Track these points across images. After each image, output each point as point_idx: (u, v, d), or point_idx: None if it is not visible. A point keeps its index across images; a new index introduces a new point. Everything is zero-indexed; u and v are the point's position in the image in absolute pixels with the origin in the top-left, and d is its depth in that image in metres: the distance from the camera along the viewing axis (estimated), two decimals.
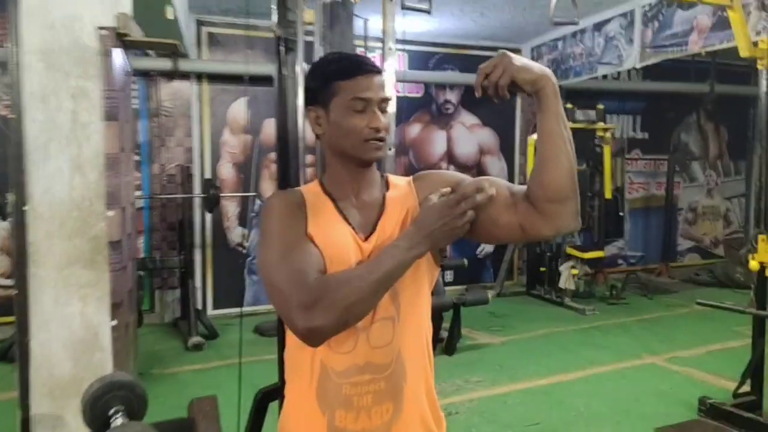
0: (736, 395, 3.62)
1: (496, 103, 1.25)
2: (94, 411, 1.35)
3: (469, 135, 7.11)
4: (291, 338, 1.29)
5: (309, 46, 2.30)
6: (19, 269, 1.77)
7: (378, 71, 1.27)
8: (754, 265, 3.11)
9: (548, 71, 1.18)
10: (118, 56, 1.95)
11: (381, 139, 1.25)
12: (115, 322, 1.85)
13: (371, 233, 1.27)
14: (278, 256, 1.19)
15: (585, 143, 6.44)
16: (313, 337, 1.14)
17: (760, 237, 3.13)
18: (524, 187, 1.24)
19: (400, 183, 1.37)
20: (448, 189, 1.24)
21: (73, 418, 1.80)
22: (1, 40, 5.08)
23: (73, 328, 1.85)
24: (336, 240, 1.24)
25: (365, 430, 1.24)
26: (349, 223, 1.27)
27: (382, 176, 1.38)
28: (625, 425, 3.52)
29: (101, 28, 1.87)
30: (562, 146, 1.18)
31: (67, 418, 1.82)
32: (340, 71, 1.26)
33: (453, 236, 1.20)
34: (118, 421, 1.31)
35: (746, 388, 3.62)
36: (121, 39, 1.98)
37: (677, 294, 6.93)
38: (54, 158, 1.83)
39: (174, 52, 5.31)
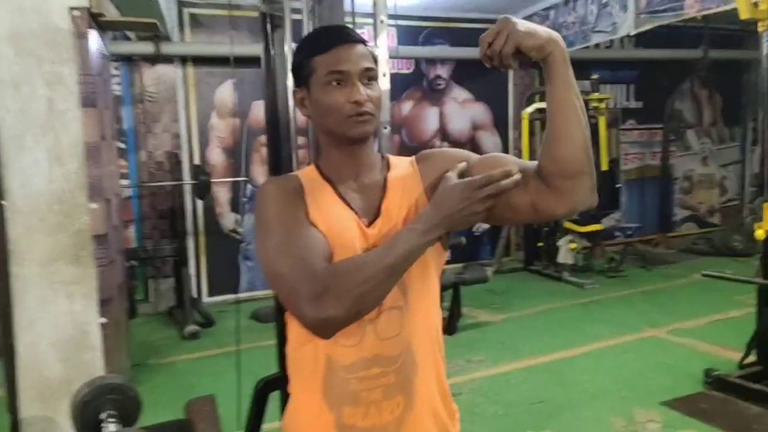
0: (741, 366, 3.58)
1: (503, 72, 1.16)
2: (84, 417, 1.27)
3: (462, 111, 7.00)
4: (293, 332, 1.21)
5: (297, 23, 2.20)
6: (0, 268, 1.67)
7: (356, 40, 1.18)
8: (760, 233, 3.05)
9: (556, 35, 1.08)
10: (93, 38, 1.83)
11: (365, 113, 1.15)
12: (104, 320, 1.77)
13: (375, 218, 1.19)
14: (280, 243, 1.10)
15: None
16: (324, 329, 1.06)
17: (765, 205, 3.06)
18: (535, 163, 1.14)
19: (401, 164, 1.28)
20: (465, 164, 1.17)
21: (65, 420, 1.72)
22: None
23: (61, 328, 1.77)
24: (340, 226, 1.16)
25: (375, 427, 1.18)
26: (352, 208, 1.19)
27: (383, 157, 1.29)
28: (632, 400, 3.48)
29: (73, 8, 1.75)
30: (574, 117, 1.08)
31: (58, 420, 1.74)
32: (316, 46, 1.18)
33: (472, 222, 1.12)
34: (110, 427, 1.23)
35: (752, 358, 3.59)
36: (96, 20, 1.87)
37: (676, 264, 6.90)
38: (30, 149, 1.72)
39: (156, 34, 5.15)
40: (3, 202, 1.67)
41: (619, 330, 4.71)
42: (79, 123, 1.73)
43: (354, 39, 1.18)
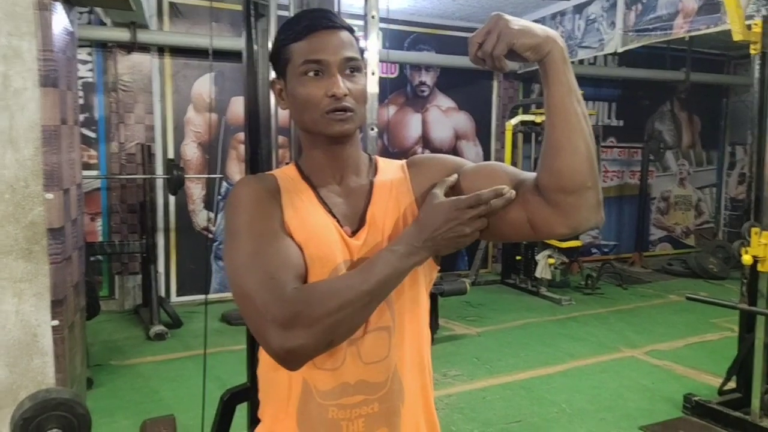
0: (721, 392, 3.52)
1: (495, 75, 1.03)
2: None
3: (445, 119, 6.92)
4: (265, 354, 1.06)
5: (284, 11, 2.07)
6: None
7: (337, 26, 1.05)
8: (747, 259, 2.99)
9: (554, 33, 0.96)
10: (58, 13, 1.67)
11: (344, 109, 1.02)
12: (56, 322, 1.59)
13: (359, 227, 1.07)
14: (248, 257, 0.96)
15: None
16: (290, 360, 0.92)
17: (753, 230, 3.01)
18: (533, 175, 1.01)
19: (390, 167, 1.16)
20: (454, 177, 1.05)
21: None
22: None
23: (8, 329, 1.59)
24: (319, 235, 1.03)
25: None
26: (333, 215, 1.06)
27: (370, 158, 1.17)
28: (610, 422, 3.40)
29: None
30: (576, 124, 0.95)
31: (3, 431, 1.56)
32: (293, 31, 1.05)
33: (459, 245, 0.99)
34: None
35: (731, 384, 3.54)
36: None
37: (651, 284, 6.90)
38: None
39: (132, 21, 4.96)
40: None
41: (597, 349, 4.64)
42: (37, 104, 1.56)
43: (335, 25, 1.05)
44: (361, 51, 1.09)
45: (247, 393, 2.32)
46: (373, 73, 2.24)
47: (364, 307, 0.94)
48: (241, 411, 2.08)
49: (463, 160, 1.14)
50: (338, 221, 1.06)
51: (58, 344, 1.64)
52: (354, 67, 1.04)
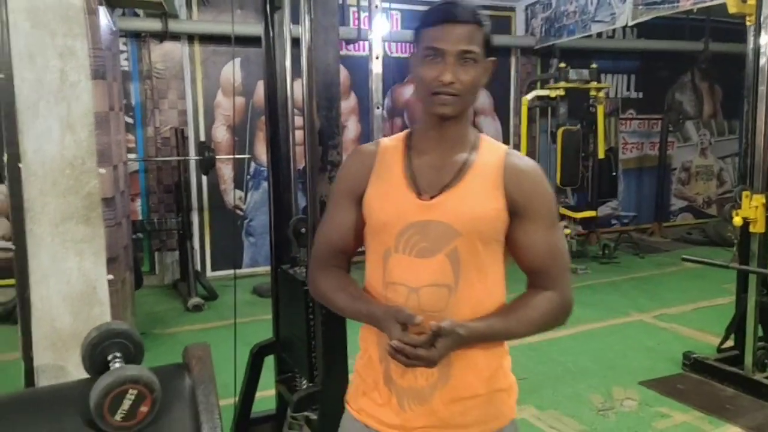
0: (720, 350, 3.72)
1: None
2: (93, 357, 1.41)
3: None
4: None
5: (296, 4, 2.30)
6: (16, 226, 1.82)
7: (464, 20, 1.19)
8: (737, 220, 3.17)
9: (455, 341, 1.18)
10: (102, 15, 1.96)
11: (451, 94, 1.19)
12: (111, 277, 1.91)
13: (439, 194, 1.25)
14: (326, 214, 1.42)
15: (579, 103, 6.45)
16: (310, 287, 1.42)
17: (744, 193, 3.18)
18: (549, 281, 1.31)
19: (492, 151, 1.30)
20: (419, 319, 1.17)
21: (75, 369, 1.87)
22: None
23: (72, 283, 1.91)
24: (390, 202, 1.27)
25: (412, 388, 1.26)
26: (415, 184, 1.27)
27: (478, 137, 1.32)
28: (611, 379, 3.63)
29: None
30: (525, 335, 1.28)
31: (68, 369, 1.89)
32: (426, 18, 1.23)
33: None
34: (117, 365, 1.37)
35: (730, 342, 3.72)
36: None
37: (668, 253, 7.02)
38: (44, 117, 1.85)
39: (162, 12, 5.25)
40: (20, 165, 1.81)
41: (606, 314, 4.84)
42: (90, 94, 1.86)
43: (461, 19, 1.19)
44: (488, 43, 1.23)
45: (274, 347, 2.63)
46: (377, 57, 2.48)
47: (344, 314, 1.36)
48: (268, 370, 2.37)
49: (551, 217, 1.31)
50: (417, 189, 1.26)
51: (113, 295, 1.96)
52: (468, 58, 1.19)
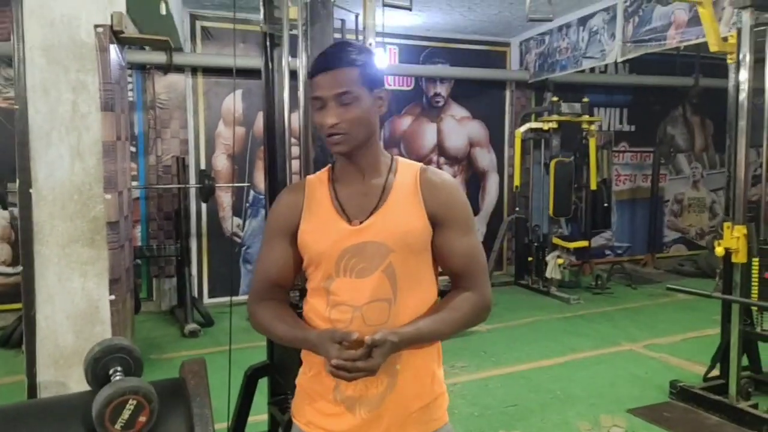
0: (706, 379, 3.78)
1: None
2: (95, 371, 1.50)
3: (459, 127, 7.27)
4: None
5: (294, 40, 2.45)
6: (25, 248, 1.92)
7: (336, 66, 1.30)
8: (719, 250, 3.28)
9: (389, 348, 1.28)
10: (113, 52, 2.10)
11: (338, 133, 1.31)
12: (113, 297, 2.01)
13: (368, 218, 1.36)
14: (260, 254, 1.50)
15: (571, 135, 6.61)
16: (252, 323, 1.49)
17: (726, 224, 3.29)
18: (471, 283, 1.43)
19: (408, 171, 1.42)
20: (355, 335, 1.28)
21: (76, 385, 1.95)
22: (3, 33, 5.22)
23: (76, 302, 2.00)
24: (323, 232, 1.37)
25: (363, 397, 1.36)
26: (344, 211, 1.38)
27: (393, 159, 1.44)
28: (599, 407, 3.69)
29: (97, 26, 2.01)
30: (449, 334, 1.40)
31: (70, 385, 1.98)
32: (310, 70, 1.36)
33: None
34: (117, 378, 1.47)
35: (716, 372, 3.78)
36: (116, 35, 2.13)
37: (660, 284, 7.08)
38: (56, 146, 1.97)
39: (167, 45, 5.43)
40: (30, 190, 1.93)
41: (597, 343, 4.91)
42: (99, 124, 1.99)
43: (332, 65, 1.30)
44: (369, 79, 1.33)
45: (267, 369, 2.70)
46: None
47: (282, 342, 1.44)
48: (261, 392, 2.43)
49: (468, 224, 1.43)
50: (347, 216, 1.37)
51: (114, 315, 2.05)
52: (347, 98, 1.30)
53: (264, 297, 1.48)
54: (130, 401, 1.37)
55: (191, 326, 5.19)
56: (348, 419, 1.37)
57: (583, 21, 5.99)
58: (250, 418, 2.63)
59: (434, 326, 1.36)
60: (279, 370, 2.57)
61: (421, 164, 1.45)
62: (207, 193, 5.46)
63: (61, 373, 2.00)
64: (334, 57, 1.32)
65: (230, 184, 6.15)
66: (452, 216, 1.40)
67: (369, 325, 1.33)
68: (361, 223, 1.36)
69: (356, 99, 1.31)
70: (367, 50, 1.38)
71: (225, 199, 6.24)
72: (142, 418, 1.39)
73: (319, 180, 1.46)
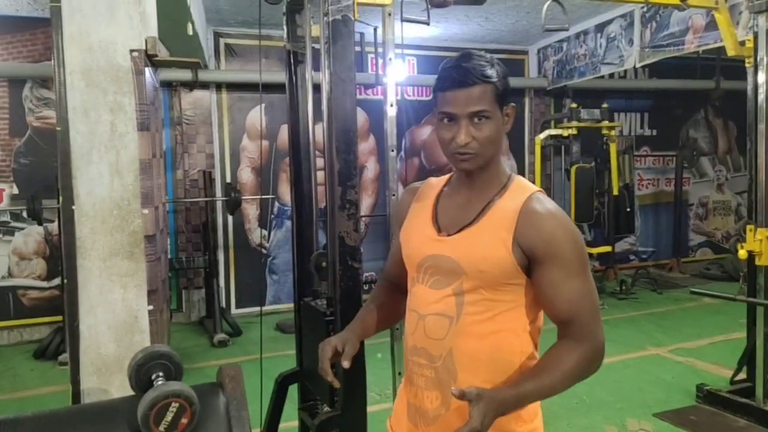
0: (732, 382, 3.77)
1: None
2: (138, 376, 1.59)
3: None
4: None
5: (317, 56, 2.53)
6: (69, 261, 2.03)
7: (472, 83, 1.24)
8: (742, 254, 3.28)
9: (490, 415, 1.16)
10: (148, 74, 2.22)
11: (468, 152, 1.27)
12: (151, 307, 2.11)
13: (457, 233, 1.33)
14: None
15: (592, 141, 6.62)
16: None
17: (748, 227, 3.30)
18: (572, 328, 1.32)
19: (519, 194, 1.32)
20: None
21: (117, 391, 2.05)
22: (34, 54, 5.43)
23: (116, 313, 2.11)
24: (412, 237, 1.43)
25: (420, 410, 1.37)
26: (436, 221, 1.38)
27: (510, 178, 1.36)
28: (626, 411, 3.69)
29: (133, 50, 2.13)
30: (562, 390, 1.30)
31: (111, 391, 2.08)
32: (439, 82, 1.30)
33: None
34: (160, 382, 1.56)
35: (743, 375, 3.77)
36: (151, 59, 2.25)
37: (686, 288, 6.99)
38: (96, 164, 2.09)
39: (196, 66, 5.60)
40: (73, 207, 2.04)
41: (623, 348, 4.89)
42: (136, 143, 2.10)
43: (469, 82, 1.24)
44: (503, 93, 1.28)
45: (297, 375, 2.78)
46: (391, 105, 2.71)
47: None
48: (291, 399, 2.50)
49: (577, 265, 1.26)
50: (437, 226, 1.37)
51: (152, 324, 2.15)
52: (480, 117, 1.26)
53: (384, 278, 1.62)
54: (173, 404, 1.46)
55: (220, 336, 5.30)
56: (410, 429, 1.43)
57: (600, 28, 6.01)
58: (282, 425, 2.71)
59: (542, 384, 1.26)
60: (308, 376, 2.64)
61: (537, 190, 1.34)
62: (233, 205, 5.59)
63: (104, 380, 2.10)
64: (468, 73, 1.25)
65: (255, 197, 6.28)
66: (554, 252, 1.25)
67: (428, 336, 1.34)
68: (448, 235, 1.34)
69: (489, 117, 1.27)
70: (499, 64, 1.30)
71: (251, 211, 6.37)
72: (184, 420, 1.47)
73: (436, 184, 1.47)
